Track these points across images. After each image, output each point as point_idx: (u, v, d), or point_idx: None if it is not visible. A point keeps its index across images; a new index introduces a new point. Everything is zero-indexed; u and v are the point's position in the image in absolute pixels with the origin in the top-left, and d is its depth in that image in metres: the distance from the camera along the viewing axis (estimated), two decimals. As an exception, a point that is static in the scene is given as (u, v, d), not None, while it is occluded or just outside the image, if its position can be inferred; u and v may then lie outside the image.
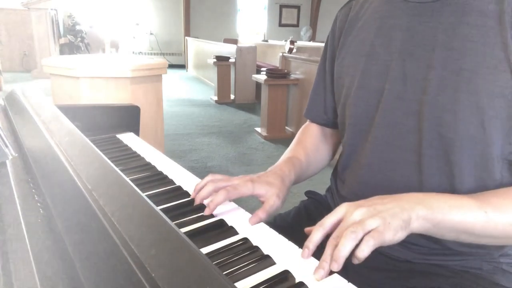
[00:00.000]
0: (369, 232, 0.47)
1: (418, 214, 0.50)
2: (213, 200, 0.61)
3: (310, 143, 0.85)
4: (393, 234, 0.47)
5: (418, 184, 0.63)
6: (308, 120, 0.91)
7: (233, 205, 0.66)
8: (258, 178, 0.68)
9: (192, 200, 0.67)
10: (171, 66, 9.44)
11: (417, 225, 0.50)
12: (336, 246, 0.46)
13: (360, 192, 0.72)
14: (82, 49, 7.67)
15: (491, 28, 0.55)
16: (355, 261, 0.46)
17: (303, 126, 0.91)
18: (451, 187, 0.61)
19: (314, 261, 0.49)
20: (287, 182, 0.71)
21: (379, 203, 0.51)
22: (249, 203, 0.63)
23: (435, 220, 0.51)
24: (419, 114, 0.61)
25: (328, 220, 0.51)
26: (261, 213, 0.62)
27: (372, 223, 0.47)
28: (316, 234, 0.50)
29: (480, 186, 0.60)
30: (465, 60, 0.57)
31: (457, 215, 0.52)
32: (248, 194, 0.65)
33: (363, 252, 0.45)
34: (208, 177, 0.67)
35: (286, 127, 3.96)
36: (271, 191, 0.66)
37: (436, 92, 0.59)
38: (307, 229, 0.53)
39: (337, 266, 0.45)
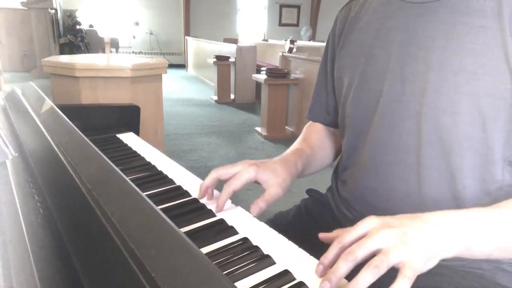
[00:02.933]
0: (393, 264, 0.42)
1: (450, 240, 0.47)
2: (220, 199, 0.62)
3: (315, 139, 0.85)
4: (423, 265, 0.44)
5: (417, 186, 0.62)
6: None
7: (233, 205, 0.66)
8: (263, 163, 0.67)
9: (192, 200, 0.67)
10: (171, 65, 9.43)
11: (449, 251, 0.47)
12: (351, 260, 0.43)
13: (359, 193, 0.72)
14: (82, 48, 7.67)
15: (490, 29, 0.55)
16: None
17: (308, 123, 0.90)
18: (451, 189, 0.61)
19: (314, 261, 0.49)
20: (293, 171, 0.71)
21: (409, 226, 0.46)
22: (249, 202, 0.63)
23: (467, 244, 0.48)
24: (418, 116, 0.61)
25: (349, 237, 0.46)
26: (261, 203, 0.62)
27: (398, 256, 0.42)
28: (333, 250, 0.46)
29: (481, 188, 0.59)
30: (464, 61, 0.56)
31: (489, 234, 0.49)
32: (251, 180, 0.65)
33: None
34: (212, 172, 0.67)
35: (286, 127, 3.96)
36: (274, 179, 0.65)
37: (435, 94, 0.58)
38: (321, 235, 0.50)
39: None
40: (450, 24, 0.58)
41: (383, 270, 0.41)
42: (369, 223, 0.46)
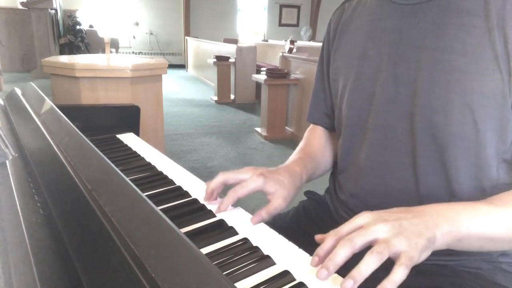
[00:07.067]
0: (394, 252, 0.43)
1: (443, 231, 0.48)
2: (223, 202, 0.62)
3: (317, 144, 0.85)
4: (419, 256, 0.45)
5: (415, 186, 0.63)
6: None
7: (233, 205, 0.66)
8: (270, 174, 0.66)
9: (192, 200, 0.67)
10: (171, 66, 9.43)
11: (442, 242, 0.48)
12: (349, 246, 0.44)
13: (357, 194, 0.72)
14: (82, 49, 7.67)
15: (479, 28, 0.56)
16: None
17: (310, 127, 0.90)
18: (448, 188, 0.61)
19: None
20: (298, 184, 0.70)
21: (403, 218, 0.47)
22: (249, 203, 0.63)
23: (459, 235, 0.49)
24: (411, 116, 0.61)
25: (345, 229, 0.47)
26: (264, 214, 0.62)
27: (398, 245, 0.43)
28: (328, 242, 0.47)
29: (476, 186, 0.60)
30: (455, 60, 0.57)
31: (482, 226, 0.50)
32: (258, 189, 0.64)
33: (395, 284, 0.41)
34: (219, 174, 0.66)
35: (286, 127, 3.96)
36: (280, 192, 0.65)
37: (427, 94, 0.59)
38: (318, 236, 0.50)
39: (353, 285, 0.41)
40: (441, 24, 0.59)
41: (385, 256, 0.42)
42: (364, 217, 0.48)
